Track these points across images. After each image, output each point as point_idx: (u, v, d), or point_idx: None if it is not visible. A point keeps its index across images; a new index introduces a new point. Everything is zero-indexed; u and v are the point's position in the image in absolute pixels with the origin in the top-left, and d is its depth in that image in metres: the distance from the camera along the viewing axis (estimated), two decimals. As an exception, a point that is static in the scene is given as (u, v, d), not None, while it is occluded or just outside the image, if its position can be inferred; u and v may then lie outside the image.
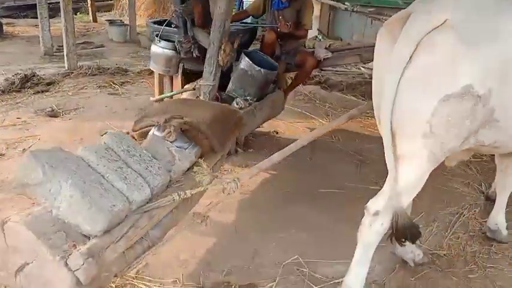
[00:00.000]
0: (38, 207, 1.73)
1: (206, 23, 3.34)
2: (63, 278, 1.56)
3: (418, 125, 1.87)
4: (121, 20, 9.50)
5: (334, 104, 5.41)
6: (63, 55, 6.24)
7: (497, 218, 2.76)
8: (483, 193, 3.30)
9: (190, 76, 3.60)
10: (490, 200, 3.21)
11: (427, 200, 3.18)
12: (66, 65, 6.21)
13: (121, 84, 5.78)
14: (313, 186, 3.40)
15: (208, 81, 3.04)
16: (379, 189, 3.31)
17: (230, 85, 3.41)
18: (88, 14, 11.51)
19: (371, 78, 6.73)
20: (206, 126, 2.41)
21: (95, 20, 11.17)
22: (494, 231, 2.77)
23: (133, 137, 2.49)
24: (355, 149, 4.13)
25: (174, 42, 3.31)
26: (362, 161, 3.90)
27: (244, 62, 3.33)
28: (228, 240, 2.77)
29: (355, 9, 7.35)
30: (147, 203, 1.90)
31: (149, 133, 2.38)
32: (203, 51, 3.26)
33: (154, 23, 3.72)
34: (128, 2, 9.49)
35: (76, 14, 12.21)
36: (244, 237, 2.79)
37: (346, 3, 8.08)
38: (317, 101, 5.53)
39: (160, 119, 2.37)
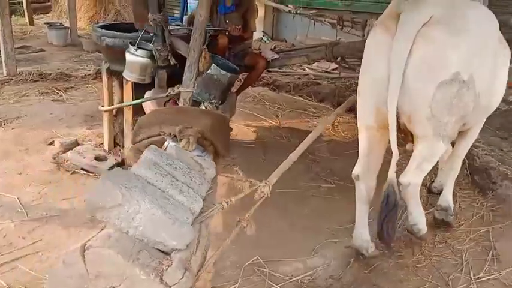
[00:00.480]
0: (109, 230, 1.67)
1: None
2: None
3: (422, 110, 2.17)
4: (60, 23, 9.15)
5: (283, 105, 5.53)
6: (1, 61, 5.94)
7: (448, 196, 3.00)
8: (425, 186, 3.52)
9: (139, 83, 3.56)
10: (432, 193, 3.45)
11: (375, 195, 3.35)
12: (4, 71, 5.91)
13: (65, 90, 5.59)
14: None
15: (189, 88, 3.03)
16: (331, 187, 3.49)
17: (199, 88, 3.33)
18: (24, 16, 10.97)
19: (316, 78, 6.90)
20: (210, 133, 2.44)
21: (31, 22, 10.69)
22: (446, 208, 2.97)
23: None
24: (306, 149, 4.25)
25: (151, 50, 3.26)
26: (313, 160, 4.02)
27: (212, 67, 3.36)
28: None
29: (297, 12, 7.55)
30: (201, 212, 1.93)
31: (166, 144, 2.32)
32: (179, 58, 3.29)
33: (100, 27, 3.64)
34: (66, 3, 9.15)
35: (11, 17, 11.63)
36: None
37: (289, 5, 8.26)
38: (266, 103, 5.63)
39: (165, 129, 2.35)
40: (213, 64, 3.40)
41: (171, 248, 1.66)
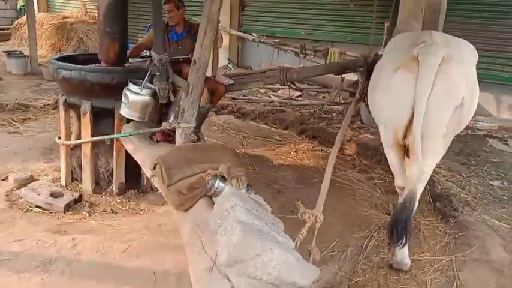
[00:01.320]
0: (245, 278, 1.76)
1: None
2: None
3: (440, 129, 2.62)
4: (20, 51, 8.92)
5: (248, 134, 5.51)
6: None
7: None
8: (389, 214, 3.54)
9: (99, 115, 3.47)
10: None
11: (339, 226, 3.34)
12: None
13: (22, 122, 5.40)
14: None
15: (191, 123, 3.05)
16: (296, 218, 3.42)
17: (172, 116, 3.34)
18: (-19, 44, 10.66)
19: (281, 105, 6.91)
20: (239, 169, 2.43)
21: (-11, 50, 10.37)
22: None
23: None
24: (270, 178, 4.21)
25: (153, 89, 3.20)
26: (278, 190, 3.98)
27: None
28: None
29: (261, 40, 7.65)
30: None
31: (216, 185, 2.30)
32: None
33: (57, 59, 3.54)
34: (27, 31, 8.95)
35: (-33, 44, 11.29)
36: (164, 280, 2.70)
37: (252, 34, 8.37)
38: (231, 131, 5.59)
39: (197, 169, 2.39)
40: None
41: (301, 286, 1.81)
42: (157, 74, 3.13)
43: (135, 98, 3.17)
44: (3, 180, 3.84)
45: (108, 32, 3.50)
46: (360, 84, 3.86)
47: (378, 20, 6.64)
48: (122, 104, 3.21)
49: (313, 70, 4.65)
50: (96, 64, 3.73)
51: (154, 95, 3.17)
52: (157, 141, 3.26)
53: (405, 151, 2.78)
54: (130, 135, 3.22)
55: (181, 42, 4.21)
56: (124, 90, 3.19)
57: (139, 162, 3.13)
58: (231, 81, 4.27)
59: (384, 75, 2.87)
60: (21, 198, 3.48)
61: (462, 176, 4.32)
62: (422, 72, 2.56)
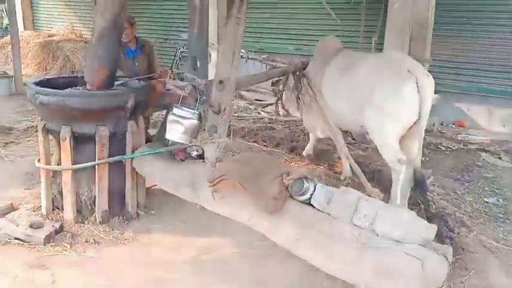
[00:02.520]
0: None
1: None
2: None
3: (425, 122, 3.57)
4: (4, 72, 8.75)
5: (237, 152, 5.38)
6: None
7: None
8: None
9: (79, 140, 3.35)
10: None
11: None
12: None
13: (4, 145, 5.23)
14: (222, 248, 3.27)
15: (222, 137, 3.33)
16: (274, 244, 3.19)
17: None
18: (-35, 64, 10.48)
19: (270, 122, 6.82)
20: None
21: (-27, 70, 10.19)
22: None
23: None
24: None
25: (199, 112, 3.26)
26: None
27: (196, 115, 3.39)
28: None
29: (249, 56, 7.57)
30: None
31: (306, 186, 2.70)
32: None
33: (36, 83, 3.41)
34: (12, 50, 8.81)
35: (-49, 64, 11.09)
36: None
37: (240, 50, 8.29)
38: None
39: (271, 176, 2.76)
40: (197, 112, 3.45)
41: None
42: (202, 97, 3.27)
43: (189, 123, 3.20)
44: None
45: (100, 56, 3.41)
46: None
47: (365, 35, 6.63)
48: (171, 130, 3.22)
49: (256, 78, 4.64)
50: (77, 87, 3.62)
51: (200, 117, 3.25)
52: (182, 160, 3.39)
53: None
54: (157, 152, 3.38)
55: (137, 59, 4.44)
56: (171, 116, 3.21)
57: (166, 183, 3.40)
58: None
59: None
60: (-1, 230, 3.32)
61: (456, 193, 4.23)
62: (426, 89, 3.47)
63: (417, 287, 2.29)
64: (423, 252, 2.29)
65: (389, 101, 3.51)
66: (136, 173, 3.63)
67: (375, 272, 2.35)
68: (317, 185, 2.72)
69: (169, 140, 3.36)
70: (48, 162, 3.49)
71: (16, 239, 3.24)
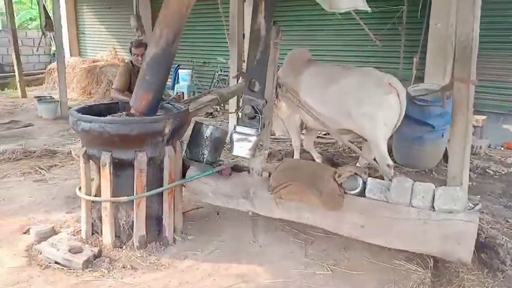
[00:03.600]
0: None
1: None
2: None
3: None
4: (51, 96, 9.14)
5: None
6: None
7: None
8: (430, 268, 3.24)
9: (117, 164, 3.40)
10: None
11: (376, 283, 3.07)
12: (-14, 150, 5.76)
13: (48, 169, 5.40)
14: (259, 276, 3.19)
15: (266, 150, 4.09)
16: (327, 274, 3.16)
17: (206, 153, 3.85)
18: (16, 89, 11.03)
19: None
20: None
21: (24, 95, 10.73)
22: None
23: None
24: (298, 226, 3.98)
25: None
26: (306, 240, 3.74)
27: (220, 130, 3.95)
28: None
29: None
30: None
31: (359, 182, 3.33)
32: None
33: (78, 110, 3.49)
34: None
35: (3, 90, 11.72)
36: None
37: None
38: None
39: (327, 176, 3.36)
40: (211, 127, 3.87)
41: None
42: (261, 116, 3.65)
43: (255, 139, 3.61)
44: (24, 233, 3.77)
45: (147, 81, 3.47)
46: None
47: (405, 55, 6.48)
48: (240, 147, 3.62)
49: (238, 90, 5.09)
50: (118, 113, 3.69)
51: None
52: (229, 175, 3.79)
53: None
54: (212, 173, 3.72)
55: None
56: (236, 134, 3.62)
57: (219, 199, 3.81)
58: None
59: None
60: (40, 253, 3.38)
61: (508, 221, 3.98)
62: (404, 100, 4.45)
63: (473, 243, 2.99)
64: (471, 217, 3.01)
65: (379, 110, 4.37)
66: (174, 197, 3.64)
67: (441, 238, 3.02)
68: (368, 179, 3.31)
69: (204, 158, 3.80)
70: (88, 191, 3.53)
71: (56, 263, 3.28)
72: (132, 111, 3.55)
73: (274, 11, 3.69)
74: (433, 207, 3.06)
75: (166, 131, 3.38)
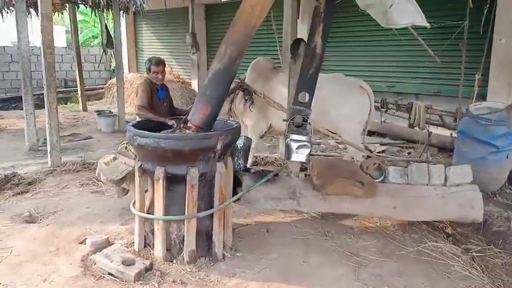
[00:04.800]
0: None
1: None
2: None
3: None
4: (110, 110, 9.55)
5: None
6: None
7: None
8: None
9: (170, 179, 3.45)
10: None
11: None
12: (49, 162, 6.06)
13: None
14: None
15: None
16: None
17: (242, 162, 4.31)
18: (78, 102, 11.61)
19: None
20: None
21: (85, 109, 11.27)
22: None
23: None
24: (350, 248, 3.85)
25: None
26: (359, 263, 3.60)
27: (248, 139, 4.44)
28: None
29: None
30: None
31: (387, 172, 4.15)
32: None
33: (134, 126, 3.59)
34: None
35: (66, 104, 12.38)
36: None
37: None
38: (309, 191, 5.32)
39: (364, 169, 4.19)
40: (242, 136, 4.19)
41: None
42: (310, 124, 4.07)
43: (310, 145, 3.97)
44: (80, 243, 3.90)
45: (207, 95, 3.53)
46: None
47: (466, 72, 6.20)
48: (299, 154, 3.97)
49: None
50: (174, 128, 3.76)
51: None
52: (274, 180, 4.06)
53: None
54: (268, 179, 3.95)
55: (164, 99, 4.78)
56: (294, 142, 3.96)
57: (269, 203, 4.05)
58: None
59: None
60: (95, 264, 3.48)
61: None
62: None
63: (482, 209, 3.89)
64: (474, 187, 3.95)
65: (355, 111, 5.34)
66: (224, 213, 3.64)
67: (458, 206, 3.89)
68: (388, 168, 4.14)
69: (240, 167, 4.22)
70: (142, 207, 3.59)
71: (109, 274, 3.35)
72: (189, 124, 3.61)
73: (329, 31, 4.10)
74: (445, 184, 3.90)
75: (219, 147, 3.39)
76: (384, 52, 8.09)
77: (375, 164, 4.08)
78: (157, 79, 4.54)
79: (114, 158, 4.02)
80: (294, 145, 3.94)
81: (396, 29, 5.95)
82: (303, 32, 8.75)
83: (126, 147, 3.89)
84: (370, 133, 7.93)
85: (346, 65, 8.72)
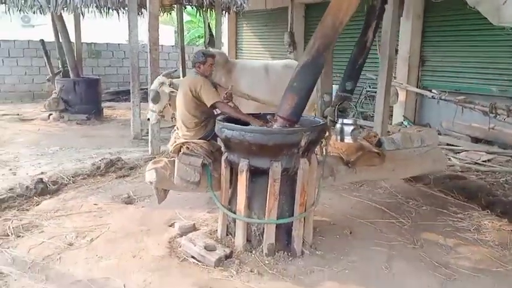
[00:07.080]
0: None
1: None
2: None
3: None
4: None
5: (418, 201, 4.91)
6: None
7: None
8: None
9: (253, 172, 3.52)
10: None
11: None
12: (150, 150, 6.51)
13: (198, 169, 5.84)
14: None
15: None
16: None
17: None
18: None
19: (462, 171, 6.11)
20: None
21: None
22: None
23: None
24: (440, 260, 3.60)
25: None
26: (448, 275, 3.35)
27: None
28: None
29: (442, 97, 6.97)
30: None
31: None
32: None
33: (224, 119, 3.71)
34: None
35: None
36: None
37: (433, 90, 7.72)
38: (399, 196, 5.08)
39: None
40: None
41: None
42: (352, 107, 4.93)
43: (359, 127, 4.59)
44: (170, 226, 4.14)
45: (294, 87, 3.56)
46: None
47: None
48: (350, 135, 4.36)
49: None
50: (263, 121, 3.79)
51: None
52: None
53: None
54: None
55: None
56: (347, 126, 4.37)
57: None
58: None
59: None
60: (180, 246, 3.67)
61: None
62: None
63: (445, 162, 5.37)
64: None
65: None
66: (305, 209, 3.61)
67: (432, 161, 4.84)
68: (382, 138, 4.67)
69: None
70: (226, 193, 3.71)
71: (192, 257, 3.52)
72: (276, 116, 3.64)
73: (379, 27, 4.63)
74: (422, 146, 4.70)
75: (303, 143, 3.37)
76: (495, 53, 7.40)
77: (375, 136, 4.65)
78: (211, 71, 4.30)
79: (169, 162, 3.86)
80: (348, 128, 4.36)
81: (511, 28, 5.44)
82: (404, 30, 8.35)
83: (187, 147, 3.79)
84: (476, 140, 7.33)
85: (447, 68, 8.16)
